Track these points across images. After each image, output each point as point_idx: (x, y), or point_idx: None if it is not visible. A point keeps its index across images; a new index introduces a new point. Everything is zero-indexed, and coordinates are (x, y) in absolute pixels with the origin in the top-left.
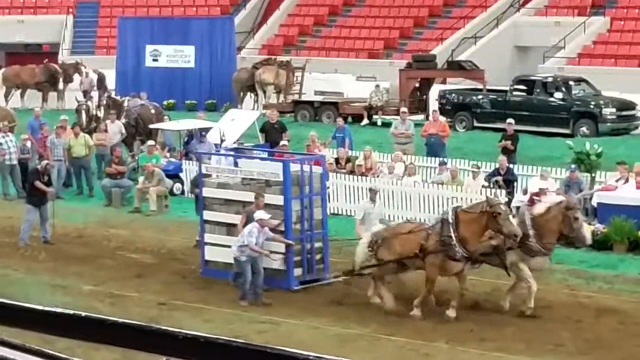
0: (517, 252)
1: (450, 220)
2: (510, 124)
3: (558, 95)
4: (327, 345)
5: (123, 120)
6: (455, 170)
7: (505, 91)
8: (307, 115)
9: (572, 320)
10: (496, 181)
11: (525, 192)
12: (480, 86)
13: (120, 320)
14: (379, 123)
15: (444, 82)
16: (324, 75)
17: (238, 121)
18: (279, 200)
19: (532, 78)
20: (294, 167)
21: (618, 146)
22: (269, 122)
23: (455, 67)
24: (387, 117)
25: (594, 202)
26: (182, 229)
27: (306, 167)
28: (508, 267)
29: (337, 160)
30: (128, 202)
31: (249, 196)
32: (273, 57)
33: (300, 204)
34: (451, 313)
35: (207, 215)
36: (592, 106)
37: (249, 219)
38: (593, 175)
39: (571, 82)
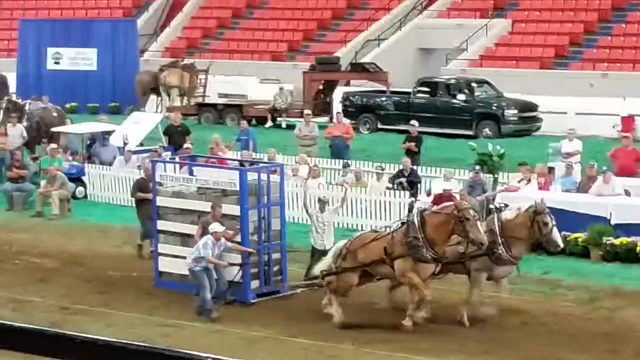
0: (484, 260)
1: (416, 223)
2: (413, 126)
3: (461, 97)
4: (232, 347)
5: (25, 123)
6: (359, 171)
7: (409, 93)
8: (211, 117)
9: (476, 320)
10: (400, 183)
11: (429, 193)
12: (383, 88)
13: (20, 325)
14: (283, 125)
15: (347, 84)
16: (228, 78)
17: (141, 124)
18: (235, 210)
19: (435, 80)
20: (251, 176)
21: (520, 147)
22: (173, 124)
23: (359, 69)
24: (291, 120)
25: (497, 204)
26: (85, 232)
27: (264, 176)
28: (470, 270)
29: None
30: (30, 206)
31: (204, 206)
32: (178, 59)
33: (258, 214)
34: (407, 322)
35: (161, 225)
36: (494, 108)
37: (205, 230)
38: (496, 176)
39: (474, 84)
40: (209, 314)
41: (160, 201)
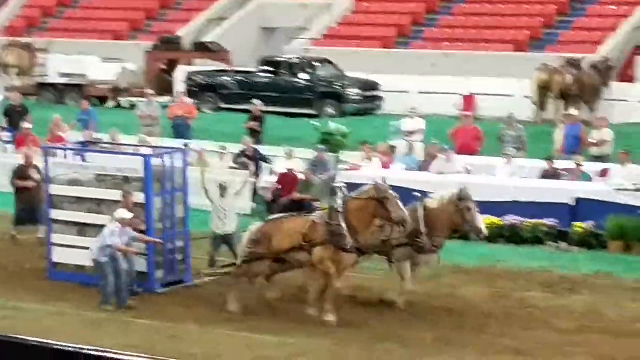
0: (408, 249)
1: (340, 209)
2: (256, 105)
3: (303, 76)
4: (75, 330)
5: None
6: (202, 151)
7: (252, 72)
8: (52, 97)
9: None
10: (243, 162)
11: (271, 172)
12: (226, 68)
13: None
14: (125, 105)
15: (190, 63)
16: (69, 57)
17: None
18: (139, 197)
19: (278, 59)
20: (155, 162)
21: (363, 126)
22: (12, 105)
23: (201, 48)
24: (133, 99)
25: (340, 182)
26: None
27: (167, 161)
28: (394, 261)
29: None
30: None
31: (103, 194)
32: (17, 38)
33: (163, 201)
34: (330, 317)
35: (55, 214)
36: (336, 87)
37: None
38: (338, 155)
39: (316, 63)
40: (120, 303)
41: (55, 189)
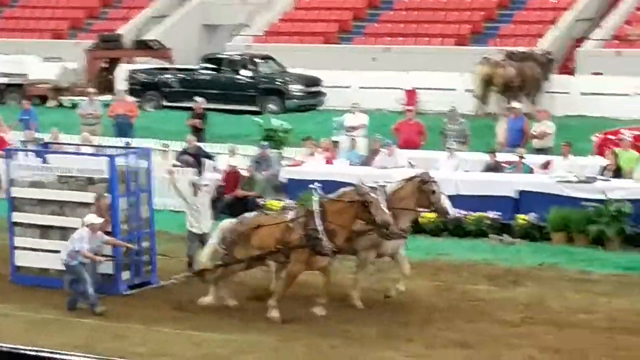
0: (372, 237)
1: (316, 211)
2: (198, 103)
3: (245, 73)
4: (15, 330)
5: None
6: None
7: (194, 70)
8: None
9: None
10: (185, 160)
11: (215, 169)
12: (168, 65)
13: None
14: (67, 104)
15: (131, 61)
16: (8, 57)
17: None
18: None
19: (220, 56)
20: (119, 162)
21: (305, 122)
22: None
23: (142, 46)
24: (75, 98)
25: (283, 178)
26: None
27: (131, 161)
28: (358, 252)
29: None
30: None
31: (66, 195)
32: None
33: (127, 201)
34: (320, 311)
35: (18, 217)
36: (278, 83)
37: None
38: (281, 151)
39: (258, 60)
40: (92, 308)
41: (16, 192)
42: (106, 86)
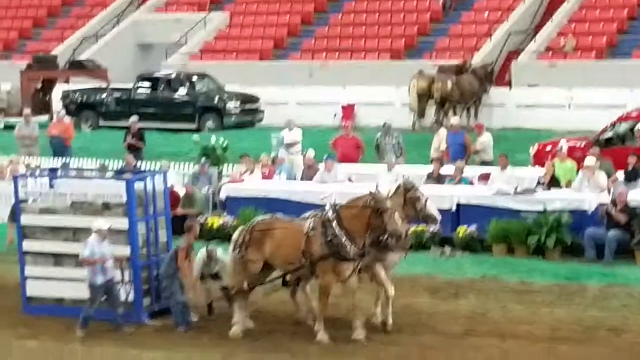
0: (371, 253)
1: (332, 219)
2: (134, 122)
3: (182, 91)
4: None
5: None
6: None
7: (130, 89)
8: None
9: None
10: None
11: None
12: (104, 85)
13: None
14: (2, 125)
15: (67, 82)
16: None
17: None
18: (122, 224)
19: (156, 75)
20: (137, 186)
21: (244, 139)
22: None
23: (77, 66)
24: (11, 120)
25: (222, 196)
26: None
27: (149, 185)
28: (362, 269)
29: None
30: None
31: (80, 222)
32: None
33: (146, 226)
34: (360, 334)
35: (28, 245)
36: (215, 101)
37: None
38: (220, 168)
39: (194, 78)
40: (119, 328)
41: (26, 219)
42: (42, 107)
